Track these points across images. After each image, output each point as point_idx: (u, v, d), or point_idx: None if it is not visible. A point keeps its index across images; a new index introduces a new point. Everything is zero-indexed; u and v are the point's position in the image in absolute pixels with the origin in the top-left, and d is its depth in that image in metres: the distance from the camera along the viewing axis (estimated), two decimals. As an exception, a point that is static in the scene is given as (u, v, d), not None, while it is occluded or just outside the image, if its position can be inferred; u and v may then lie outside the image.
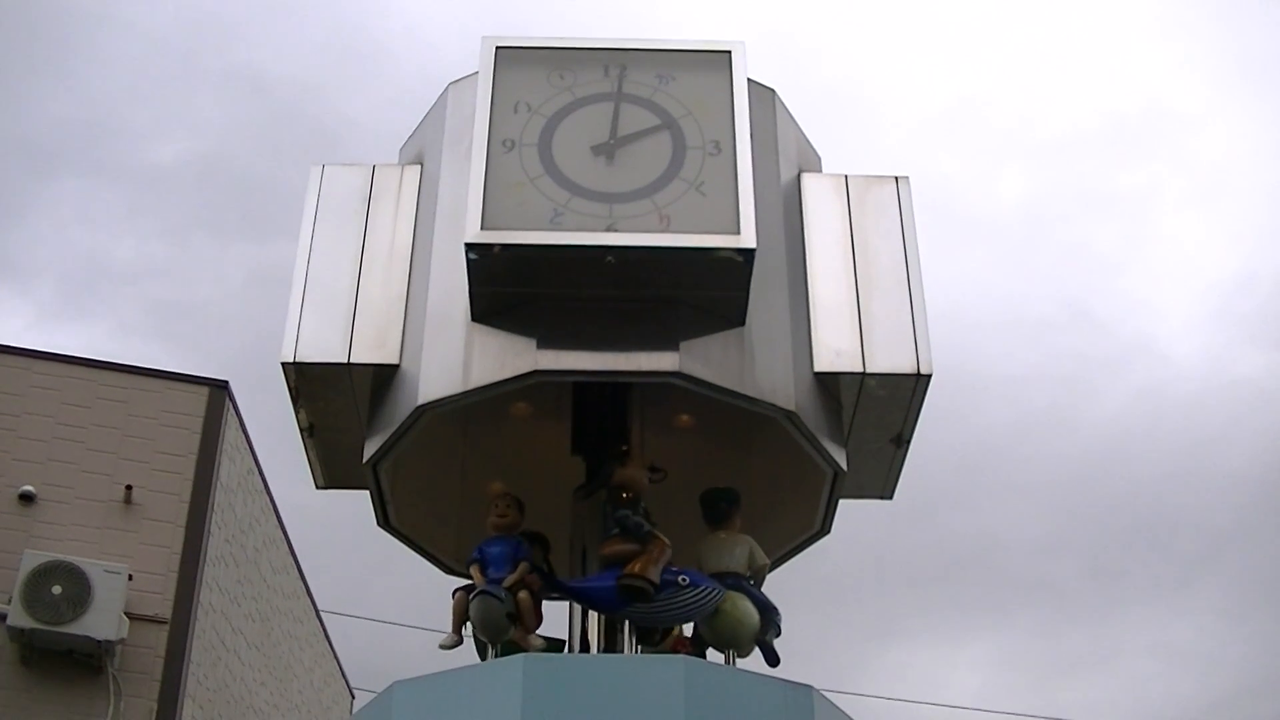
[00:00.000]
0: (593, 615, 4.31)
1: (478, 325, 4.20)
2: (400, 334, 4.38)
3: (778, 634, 4.28)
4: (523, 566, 4.15)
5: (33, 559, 10.29)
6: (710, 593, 4.08)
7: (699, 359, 4.13)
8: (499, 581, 4.11)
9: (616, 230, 4.13)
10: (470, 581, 4.18)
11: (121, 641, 10.39)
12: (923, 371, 4.38)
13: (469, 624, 4.15)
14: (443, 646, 4.15)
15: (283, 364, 4.36)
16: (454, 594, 4.19)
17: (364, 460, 4.41)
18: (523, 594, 4.11)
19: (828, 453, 4.35)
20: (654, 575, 4.01)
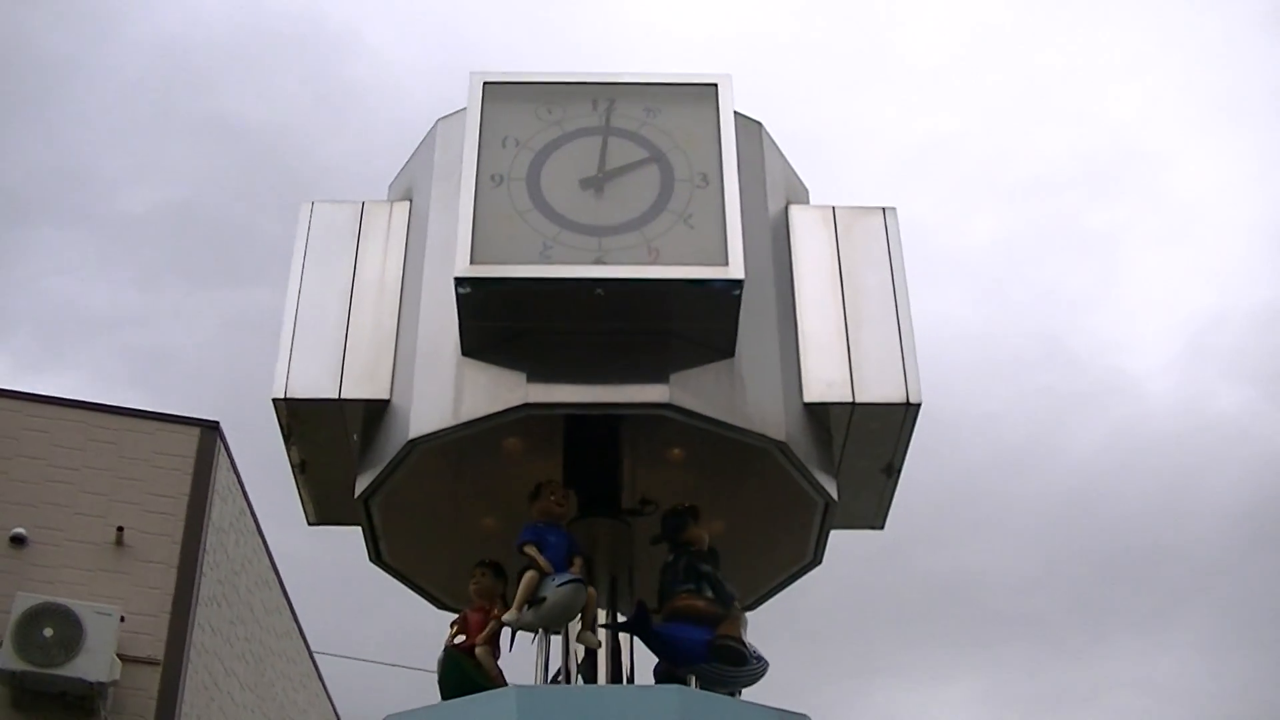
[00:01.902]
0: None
1: (468, 359, 4.22)
2: (391, 369, 4.39)
3: None
4: (580, 561, 4.12)
5: (24, 601, 10.24)
6: (764, 667, 4.19)
7: (689, 390, 4.14)
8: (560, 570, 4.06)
9: (605, 263, 4.15)
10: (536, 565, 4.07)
11: (114, 683, 10.33)
12: (912, 401, 4.40)
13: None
14: (509, 623, 4.04)
15: (274, 400, 4.36)
16: (524, 571, 4.06)
17: (355, 495, 4.41)
18: (591, 589, 4.11)
19: (819, 483, 4.36)
20: (746, 642, 4.14)
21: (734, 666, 4.10)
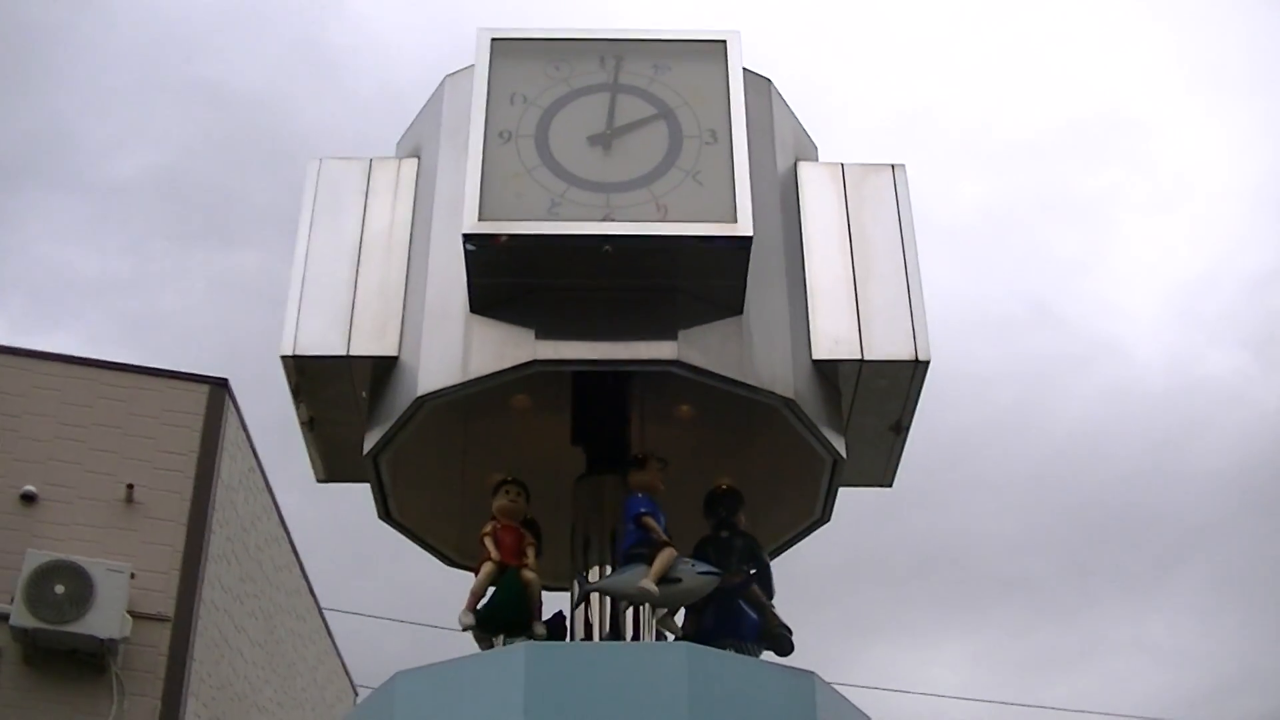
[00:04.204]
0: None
1: (476, 316, 4.21)
2: (399, 326, 4.39)
3: None
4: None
5: (35, 558, 10.31)
6: None
7: (698, 347, 4.14)
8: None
9: (614, 220, 4.14)
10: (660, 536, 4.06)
11: (125, 640, 10.41)
12: (921, 358, 4.39)
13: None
14: (648, 594, 3.97)
15: (282, 357, 4.36)
16: (665, 547, 4.02)
17: (364, 452, 4.42)
18: None
19: (827, 440, 4.36)
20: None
21: (781, 657, 4.20)
